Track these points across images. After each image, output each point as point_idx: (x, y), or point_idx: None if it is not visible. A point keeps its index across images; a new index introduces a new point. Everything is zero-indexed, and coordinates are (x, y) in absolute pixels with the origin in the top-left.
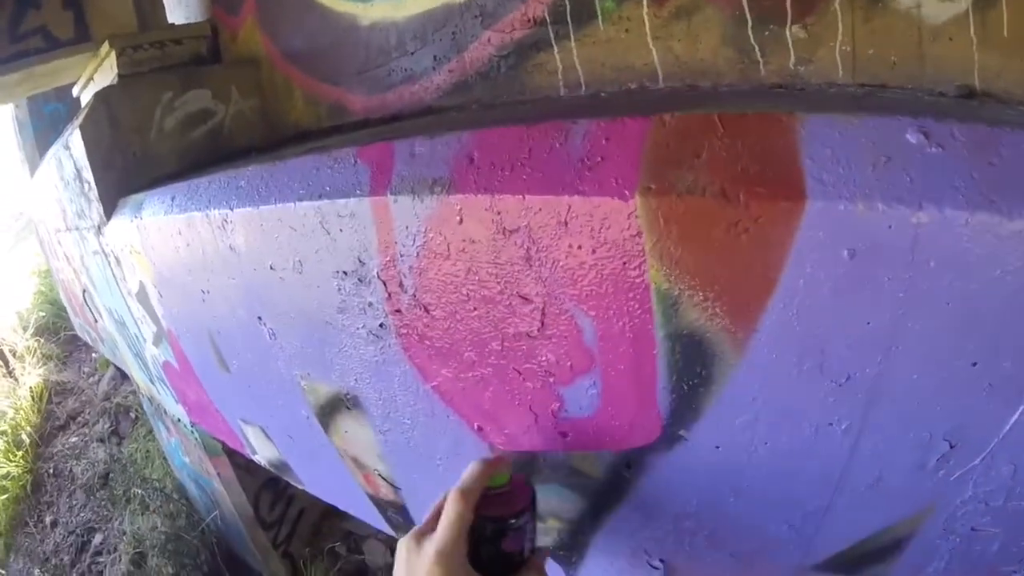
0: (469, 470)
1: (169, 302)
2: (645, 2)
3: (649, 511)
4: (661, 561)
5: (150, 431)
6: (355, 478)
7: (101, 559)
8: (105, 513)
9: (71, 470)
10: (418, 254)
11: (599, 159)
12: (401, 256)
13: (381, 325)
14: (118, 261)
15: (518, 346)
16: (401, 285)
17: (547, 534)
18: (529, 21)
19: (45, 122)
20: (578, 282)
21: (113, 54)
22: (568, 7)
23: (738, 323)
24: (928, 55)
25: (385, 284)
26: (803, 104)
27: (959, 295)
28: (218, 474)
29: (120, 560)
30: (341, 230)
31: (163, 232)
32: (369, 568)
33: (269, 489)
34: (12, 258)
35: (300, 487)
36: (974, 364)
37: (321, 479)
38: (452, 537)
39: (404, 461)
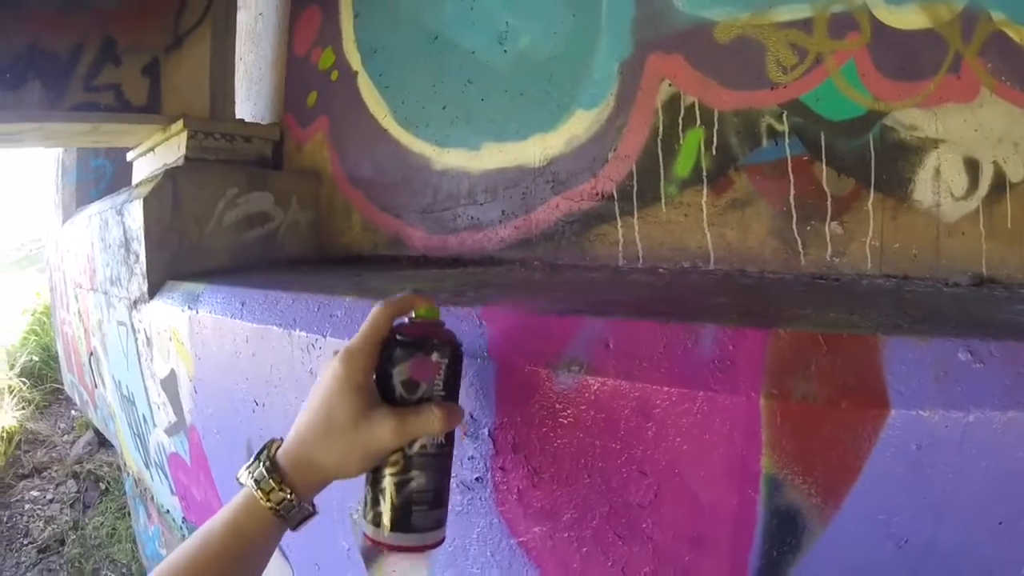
0: (399, 296)
1: (204, 401)
2: (704, 191)
3: None
4: None
5: (120, 508)
6: None
7: None
8: None
9: (27, 525)
10: (539, 420)
11: (729, 363)
12: (519, 420)
13: (478, 479)
14: (149, 341)
15: (627, 513)
16: (514, 447)
17: None
18: (598, 195)
19: (89, 174)
20: (699, 462)
21: (184, 134)
22: (635, 188)
23: (827, 501)
24: (943, 248)
25: (495, 442)
26: (855, 304)
27: (982, 476)
28: None
29: None
30: None
31: (223, 333)
32: None
33: None
34: (5, 287)
35: None
36: (1000, 523)
37: None
38: (363, 337)
39: None
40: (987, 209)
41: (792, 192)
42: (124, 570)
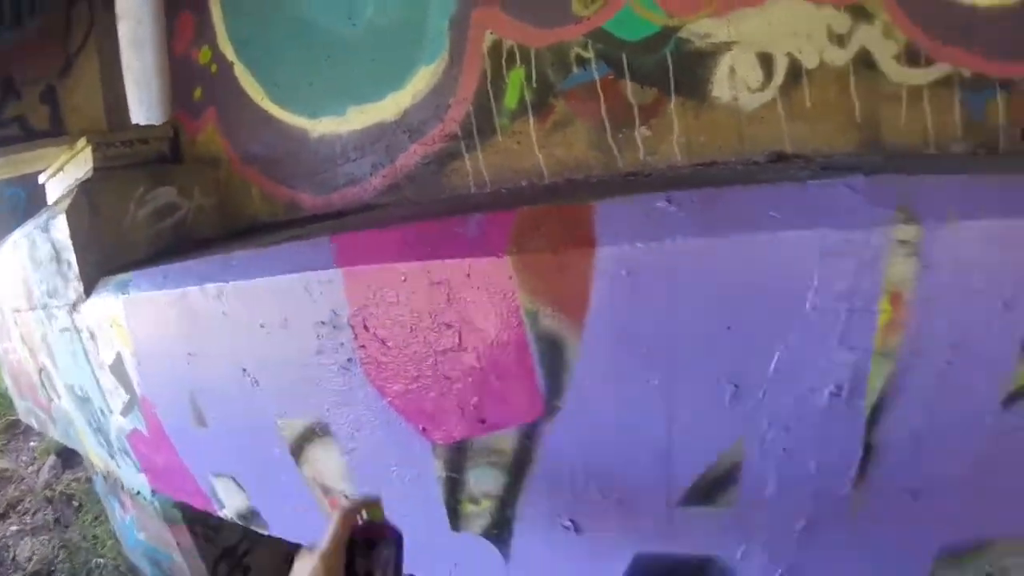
0: (352, 500)
1: (148, 369)
2: (531, 119)
3: (551, 475)
4: (571, 520)
5: (96, 517)
6: (321, 507)
7: None
8: None
9: (15, 557)
10: (376, 303)
11: (485, 236)
12: (364, 306)
13: (349, 359)
14: (92, 335)
15: (445, 358)
16: (365, 327)
17: (481, 516)
18: (446, 136)
19: (5, 205)
20: (479, 310)
21: (89, 149)
22: (475, 124)
23: (573, 325)
24: (746, 134)
25: (353, 328)
26: (627, 189)
27: (699, 290)
28: (177, 544)
29: None
30: (321, 292)
31: (153, 305)
32: None
33: (227, 559)
34: None
35: (265, 532)
36: (728, 328)
37: (288, 517)
38: (332, 545)
39: (366, 475)
40: (785, 96)
41: (603, 108)
42: (113, 565)
